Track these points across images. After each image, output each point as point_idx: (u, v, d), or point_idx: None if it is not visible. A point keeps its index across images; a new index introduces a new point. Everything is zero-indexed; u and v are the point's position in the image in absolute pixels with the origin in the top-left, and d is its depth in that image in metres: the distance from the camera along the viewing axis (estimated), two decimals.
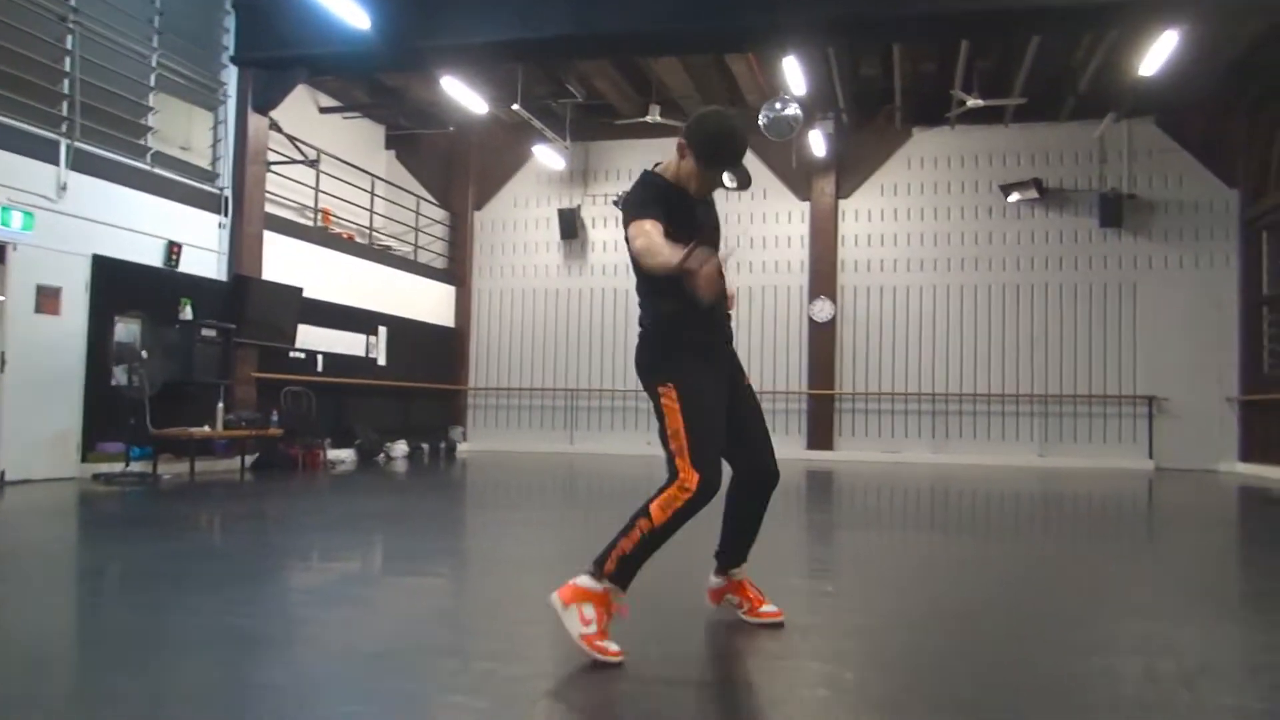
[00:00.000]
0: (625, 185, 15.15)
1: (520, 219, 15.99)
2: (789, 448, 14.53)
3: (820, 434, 14.56)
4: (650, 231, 2.90)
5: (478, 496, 9.46)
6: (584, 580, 2.93)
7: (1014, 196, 13.99)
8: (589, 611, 2.87)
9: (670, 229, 2.95)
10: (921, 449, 14.24)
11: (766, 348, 14.88)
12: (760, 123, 7.25)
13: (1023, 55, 11.83)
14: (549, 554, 5.40)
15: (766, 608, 3.38)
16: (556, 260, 15.81)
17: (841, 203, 14.84)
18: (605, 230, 15.60)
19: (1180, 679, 2.74)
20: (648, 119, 13.25)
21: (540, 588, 3.10)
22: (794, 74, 11.13)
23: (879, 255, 14.71)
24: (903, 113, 13.84)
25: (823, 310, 14.64)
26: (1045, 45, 11.41)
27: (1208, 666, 2.97)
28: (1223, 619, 3.75)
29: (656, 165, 3.29)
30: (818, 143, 13.83)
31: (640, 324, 3.25)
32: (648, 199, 3.08)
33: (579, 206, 15.51)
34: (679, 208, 3.13)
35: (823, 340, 14.67)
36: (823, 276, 14.74)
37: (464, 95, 11.81)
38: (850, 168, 14.77)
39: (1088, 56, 12.03)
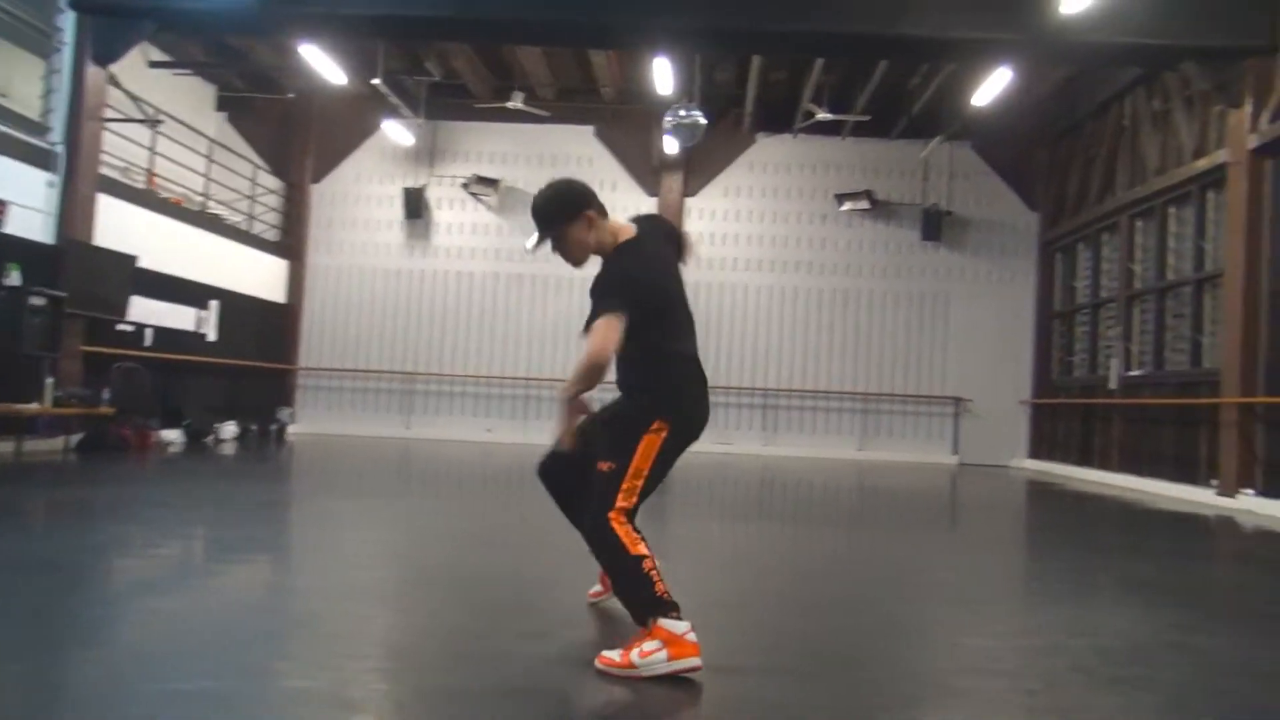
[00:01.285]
0: (476, 168, 15.13)
1: (362, 195, 15.50)
2: None
3: None
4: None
5: (313, 482, 9.16)
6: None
7: (847, 206, 14.89)
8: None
9: None
10: (752, 441, 14.94)
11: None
12: (665, 127, 7.42)
13: (868, 75, 12.65)
14: (378, 547, 5.18)
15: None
16: (398, 239, 15.45)
17: (688, 200, 15.30)
18: (451, 212, 15.39)
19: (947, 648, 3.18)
20: (509, 105, 13.19)
21: (369, 582, 3.20)
22: (663, 74, 11.43)
23: (721, 254, 15.28)
24: (751, 118, 14.41)
25: None
26: (889, 69, 12.25)
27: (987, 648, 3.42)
28: (1009, 601, 4.28)
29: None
30: (670, 141, 14.16)
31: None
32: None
33: (425, 186, 15.21)
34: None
35: None
36: None
37: (322, 64, 11.35)
38: (698, 167, 15.24)
39: (924, 83, 13.00)
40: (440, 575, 4.37)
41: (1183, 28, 9.39)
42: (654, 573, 2.84)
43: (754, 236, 15.29)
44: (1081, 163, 13.64)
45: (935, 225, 14.70)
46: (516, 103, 13.11)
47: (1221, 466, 9.67)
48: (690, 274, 13.74)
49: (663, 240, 3.37)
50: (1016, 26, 9.34)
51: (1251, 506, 9.06)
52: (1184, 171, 10.87)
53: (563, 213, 3.18)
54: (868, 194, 14.77)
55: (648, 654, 2.74)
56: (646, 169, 15.26)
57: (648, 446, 3.00)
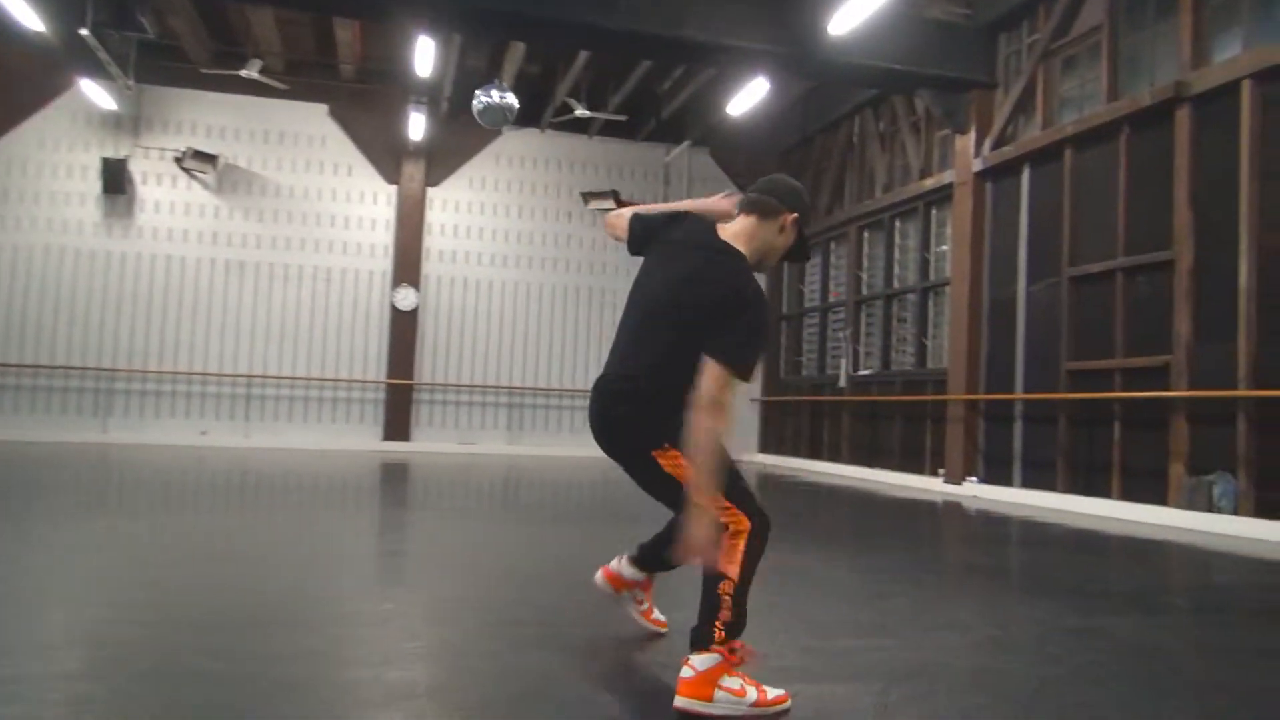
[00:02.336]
0: (192, 140, 13.51)
1: (48, 163, 13.30)
2: (364, 438, 14.00)
3: (397, 425, 14.21)
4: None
5: None
6: (701, 662, 2.46)
7: (593, 204, 14.92)
8: (733, 681, 2.45)
9: None
10: (496, 440, 14.57)
11: (344, 333, 14.14)
12: (474, 108, 6.76)
13: (624, 75, 12.72)
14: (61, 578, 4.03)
15: (656, 615, 3.30)
16: (94, 217, 13.43)
17: (430, 190, 14.61)
18: (160, 189, 13.63)
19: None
20: (242, 73, 11.87)
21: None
22: (417, 54, 10.79)
23: (464, 247, 14.75)
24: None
25: (406, 298, 14.29)
26: (645, 71, 12.38)
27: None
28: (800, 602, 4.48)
29: (696, 222, 2.89)
30: (415, 126, 13.48)
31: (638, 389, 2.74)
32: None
33: (128, 158, 13.34)
34: None
35: (404, 329, 14.32)
36: (408, 264, 14.39)
37: (18, 9, 9.53)
38: (441, 157, 14.60)
39: (676, 88, 13.29)
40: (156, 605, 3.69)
41: (923, 58, 10.27)
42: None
43: (499, 231, 14.91)
44: (812, 175, 14.58)
45: None
46: (252, 72, 11.83)
47: (948, 457, 10.68)
48: (432, 267, 13.31)
49: None
50: (788, 40, 9.75)
51: (976, 492, 10.09)
52: (912, 189, 11.90)
53: (774, 207, 2.77)
54: (614, 194, 14.88)
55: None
56: (386, 155, 14.39)
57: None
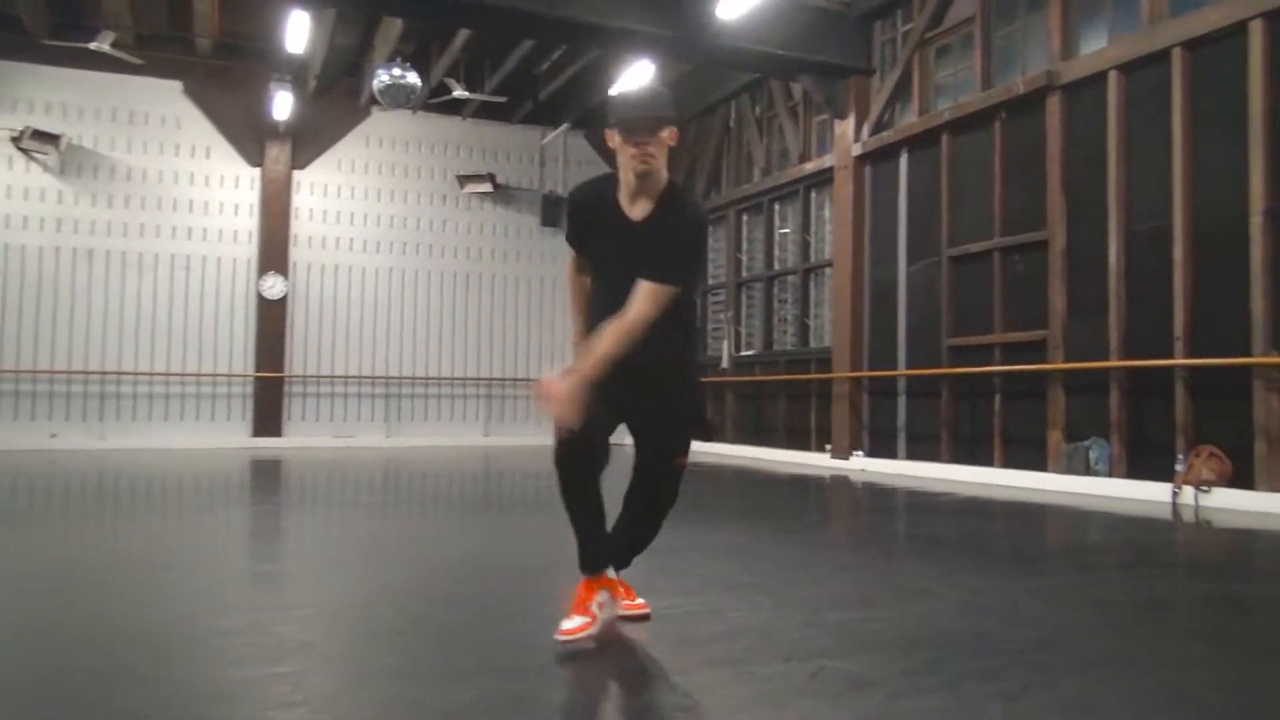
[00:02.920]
0: (31, 119, 12.45)
1: None
2: (233, 435, 13.32)
3: (268, 420, 13.57)
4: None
5: None
6: None
7: (469, 188, 14.62)
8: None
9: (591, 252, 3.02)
10: (374, 433, 14.13)
11: (207, 325, 13.38)
12: (375, 88, 6.39)
13: (502, 55, 12.50)
14: None
15: (636, 600, 3.18)
16: None
17: (296, 173, 13.96)
18: None
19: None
20: (92, 46, 10.99)
21: None
22: (297, 29, 10.28)
23: (335, 232, 14.19)
24: (370, 89, 13.50)
25: (274, 287, 13.64)
26: (523, 53, 12.19)
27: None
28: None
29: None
30: (280, 106, 12.83)
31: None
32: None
33: None
34: (599, 223, 2.97)
35: (273, 319, 13.67)
36: (274, 251, 13.72)
37: None
38: (308, 138, 13.96)
39: (555, 69, 13.15)
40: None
41: (804, 44, 10.51)
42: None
43: (371, 215, 14.41)
44: (688, 159, 14.71)
45: (554, 211, 14.97)
46: (104, 45, 10.97)
47: (834, 433, 11.04)
48: (301, 253, 12.82)
49: None
50: (675, 24, 9.79)
51: (863, 466, 10.48)
52: (791, 172, 12.20)
53: (676, 114, 2.86)
54: (490, 177, 14.62)
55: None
56: (248, 136, 13.65)
57: None
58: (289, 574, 4.36)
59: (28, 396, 12.55)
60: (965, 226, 9.50)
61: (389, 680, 2.47)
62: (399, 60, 6.96)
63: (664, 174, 2.90)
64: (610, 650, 2.82)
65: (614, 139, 2.86)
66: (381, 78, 6.19)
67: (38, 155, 12.56)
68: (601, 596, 2.95)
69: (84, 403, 12.80)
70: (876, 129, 10.67)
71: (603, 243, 2.99)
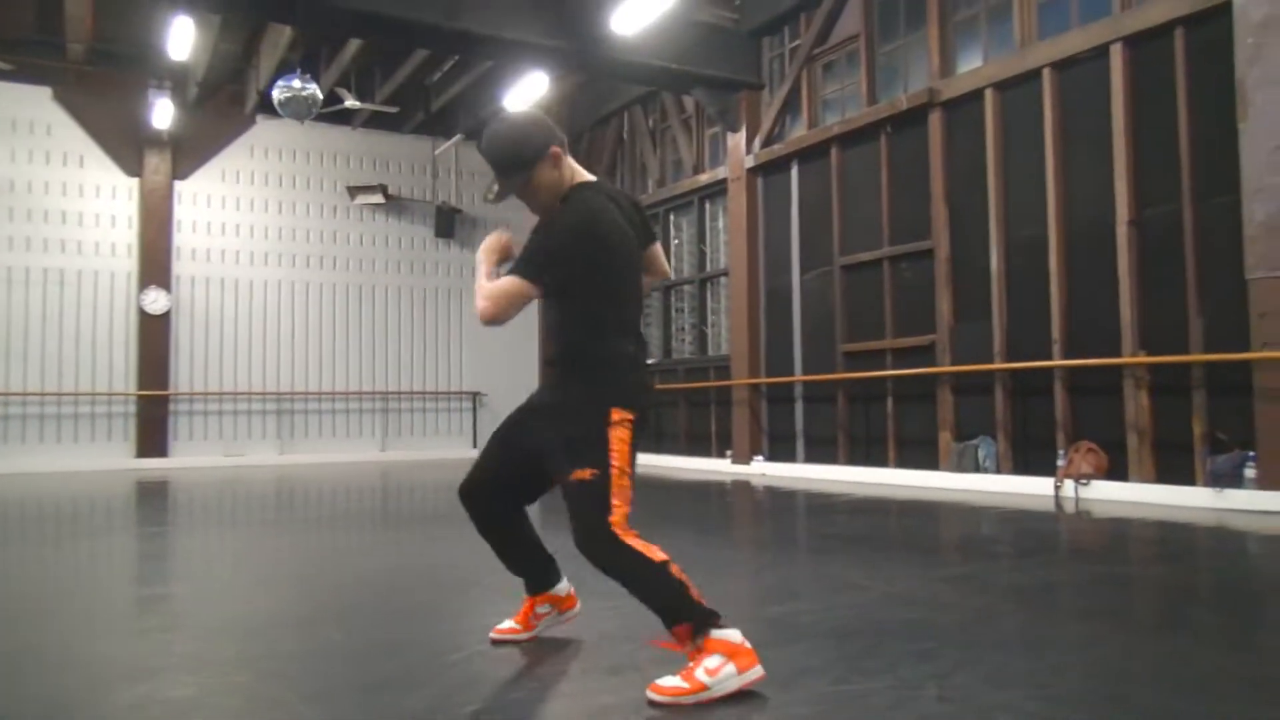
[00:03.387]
0: None
1: None
2: (115, 457, 12.76)
3: (152, 440, 13.02)
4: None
5: None
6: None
7: (360, 199, 14.38)
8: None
9: None
10: (267, 450, 13.73)
11: (84, 342, 12.77)
12: (275, 99, 6.16)
13: (394, 65, 12.38)
14: None
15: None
16: None
17: (178, 184, 13.46)
18: None
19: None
20: None
21: None
22: (181, 35, 9.95)
23: (220, 244, 13.74)
24: (259, 97, 13.15)
25: (156, 301, 13.12)
26: (417, 62, 12.10)
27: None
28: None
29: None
30: (160, 114, 12.38)
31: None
32: None
33: None
34: None
35: (155, 334, 13.14)
36: (155, 264, 13.20)
37: None
38: (189, 147, 13.49)
39: (447, 79, 13.08)
40: None
41: (696, 58, 10.76)
42: (684, 576, 2.54)
43: (258, 227, 14.01)
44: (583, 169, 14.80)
45: (448, 222, 14.87)
46: None
47: (735, 439, 11.30)
48: (184, 266, 12.38)
49: (624, 204, 2.88)
50: (569, 36, 9.89)
51: (763, 470, 10.76)
52: (685, 184, 12.45)
53: (531, 153, 2.64)
54: (382, 188, 14.42)
55: (715, 671, 2.40)
56: (125, 144, 13.10)
57: (619, 440, 2.60)
58: (180, 595, 4.26)
59: None
60: (855, 236, 9.89)
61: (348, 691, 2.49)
62: (298, 72, 6.82)
63: (557, 190, 2.72)
64: (562, 653, 2.90)
65: (555, 155, 2.70)
66: (282, 89, 6.06)
67: None
68: (542, 608, 3.04)
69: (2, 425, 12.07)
70: (768, 142, 11.00)
71: None
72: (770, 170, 11.05)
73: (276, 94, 6.21)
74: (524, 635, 3.04)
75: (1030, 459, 8.09)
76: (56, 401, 12.60)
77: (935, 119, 8.94)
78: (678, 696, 2.38)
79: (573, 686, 2.69)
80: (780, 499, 8.47)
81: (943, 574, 4.22)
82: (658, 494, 9.17)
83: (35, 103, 12.64)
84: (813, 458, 10.36)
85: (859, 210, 9.87)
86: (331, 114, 13.51)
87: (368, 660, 2.86)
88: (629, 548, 2.55)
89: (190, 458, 13.18)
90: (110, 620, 3.61)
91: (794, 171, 10.75)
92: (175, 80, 12.46)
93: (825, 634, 3.03)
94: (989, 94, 8.46)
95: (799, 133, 10.66)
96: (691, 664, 2.45)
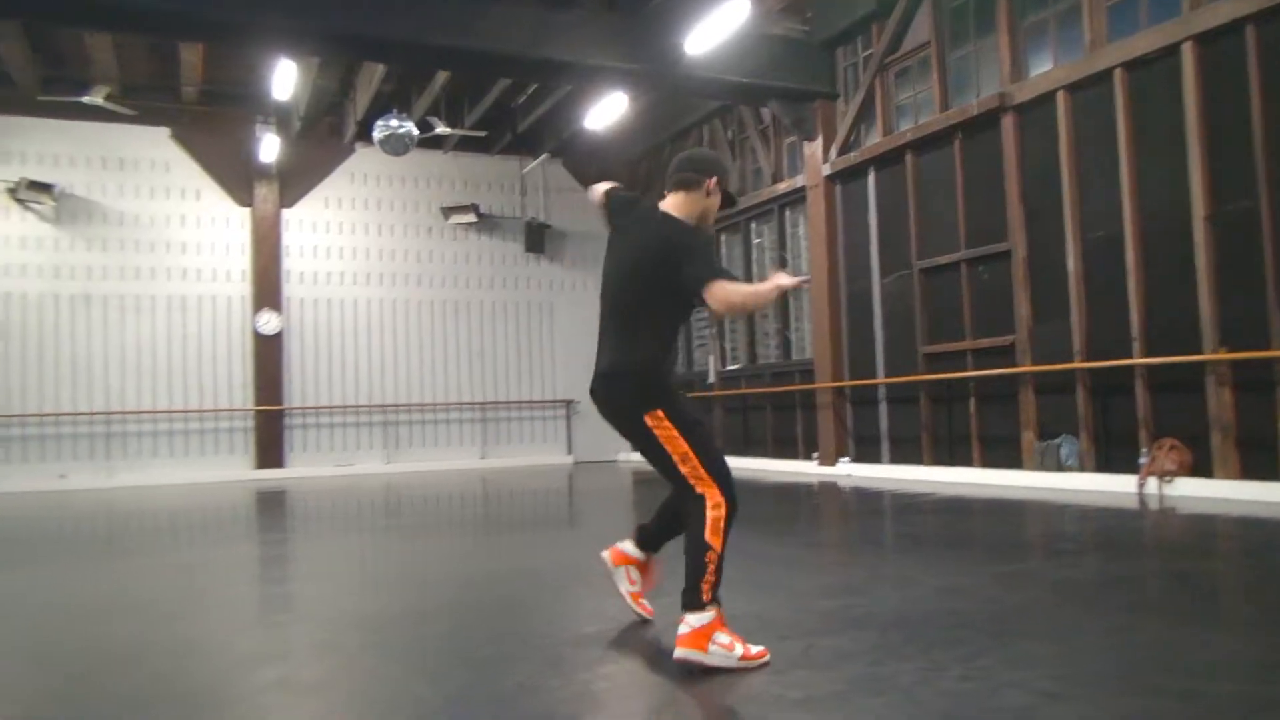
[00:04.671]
0: (24, 170, 12.78)
1: None
2: (236, 469, 13.67)
3: (270, 452, 13.92)
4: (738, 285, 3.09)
5: None
6: (696, 619, 2.87)
7: (454, 219, 15.05)
8: (724, 637, 2.87)
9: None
10: (374, 460, 14.50)
11: (206, 362, 13.74)
12: (376, 138, 6.76)
13: (481, 90, 12.97)
14: None
15: (645, 602, 3.55)
16: None
17: (285, 212, 14.36)
18: None
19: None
20: (85, 99, 11.37)
21: None
22: (283, 77, 10.70)
23: (325, 267, 14.58)
24: (358, 128, 13.93)
25: (269, 323, 14.01)
26: (502, 87, 12.66)
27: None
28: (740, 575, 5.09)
29: (646, 202, 3.49)
30: (267, 148, 13.26)
31: (616, 366, 3.24)
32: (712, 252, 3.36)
33: None
34: None
35: (270, 354, 14.04)
36: (267, 287, 14.11)
37: None
38: (294, 177, 14.37)
39: (531, 102, 13.63)
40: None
41: (769, 72, 11.02)
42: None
43: (359, 249, 14.81)
44: (662, 183, 15.19)
45: (537, 238, 15.44)
46: (97, 99, 11.36)
47: (820, 441, 11.51)
48: (294, 289, 13.16)
49: None
50: (645, 58, 10.27)
51: (849, 471, 10.95)
52: (765, 193, 12.71)
53: (706, 168, 3.33)
54: (474, 207, 15.06)
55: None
56: (236, 177, 14.05)
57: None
58: (304, 593, 4.77)
59: (36, 440, 12.86)
60: (933, 239, 10.01)
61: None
62: (394, 110, 7.33)
63: (696, 211, 3.34)
64: (626, 635, 3.26)
65: (713, 187, 3.34)
66: (381, 128, 6.55)
67: (34, 205, 12.91)
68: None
69: (90, 443, 13.12)
70: (844, 150, 11.19)
71: None
72: (847, 177, 11.24)
73: (376, 134, 6.70)
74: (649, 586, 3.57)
75: (1113, 457, 8.13)
76: (183, 418, 13.58)
77: (1008, 122, 9.03)
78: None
79: (650, 662, 3.05)
80: (863, 500, 8.68)
81: (1000, 570, 4.44)
82: (744, 496, 9.46)
83: (155, 143, 13.66)
84: (898, 458, 10.51)
85: (935, 214, 10.00)
86: (425, 139, 14.21)
87: (471, 646, 3.29)
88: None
89: (305, 468, 14.03)
90: (244, 615, 4.15)
91: (870, 178, 10.92)
92: (280, 116, 13.31)
93: (871, 624, 3.32)
94: (1061, 96, 8.52)
95: (874, 140, 10.83)
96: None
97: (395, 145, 6.63)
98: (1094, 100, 8.27)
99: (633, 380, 3.20)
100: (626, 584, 3.54)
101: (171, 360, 13.60)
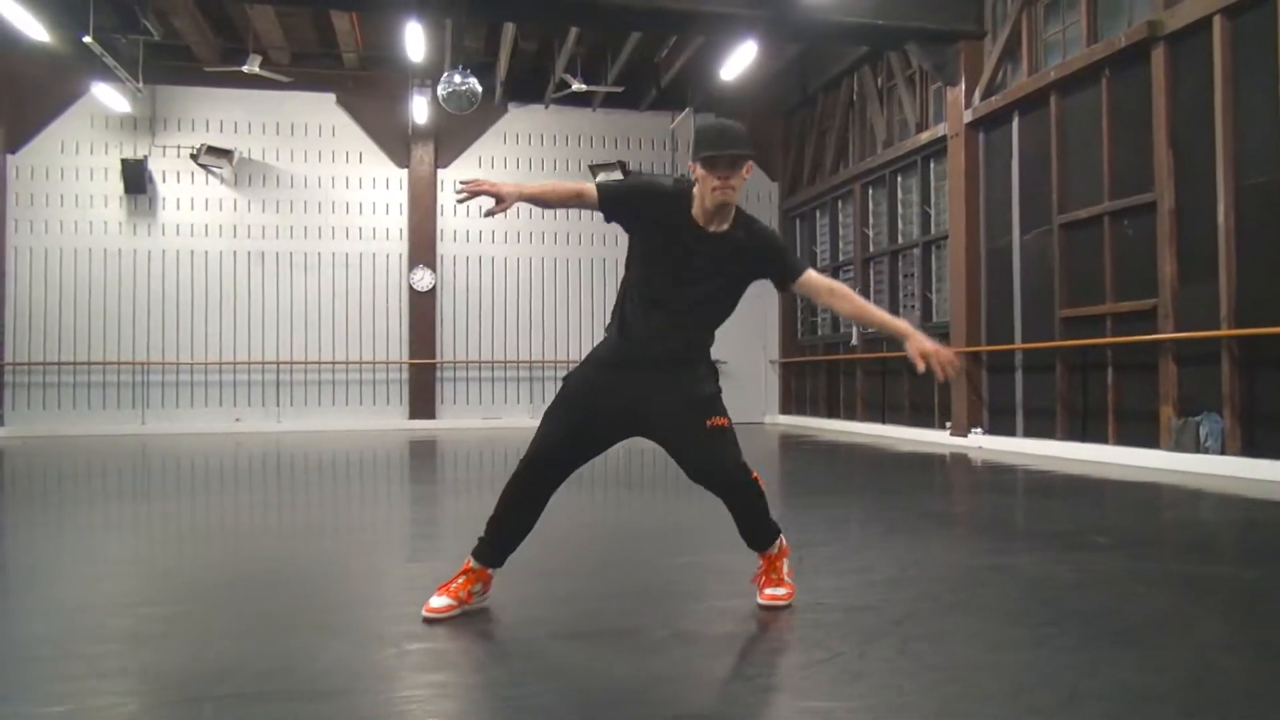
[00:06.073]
0: (205, 137, 13.91)
1: (70, 167, 13.80)
2: (391, 418, 14.41)
3: (422, 403, 14.60)
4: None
5: (23, 492, 7.83)
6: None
7: (601, 177, 15.06)
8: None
9: (647, 242, 3.13)
10: (520, 414, 14.87)
11: (365, 316, 14.53)
12: (439, 94, 6.97)
13: (619, 47, 12.83)
14: (118, 555, 4.53)
15: (770, 590, 3.25)
16: (118, 216, 13.93)
17: (440, 172, 14.88)
18: (180, 185, 14.07)
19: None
20: (244, 69, 12.19)
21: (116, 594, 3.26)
22: (413, 39, 11.00)
23: (477, 226, 15.01)
24: (503, 88, 14.19)
25: (423, 279, 14.62)
26: (639, 42, 12.46)
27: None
28: (836, 544, 4.64)
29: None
30: (419, 110, 13.74)
31: (692, 355, 3.21)
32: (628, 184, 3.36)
33: (146, 157, 13.79)
34: (670, 226, 3.12)
35: (423, 309, 14.67)
36: (422, 245, 14.70)
37: (21, 20, 9.91)
38: (449, 138, 14.84)
39: (672, 56, 13.36)
40: (195, 579, 3.93)
41: (907, 12, 10.23)
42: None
43: (510, 208, 15.06)
44: (816, 135, 14.58)
45: None
46: (253, 67, 12.13)
47: (953, 410, 10.76)
48: (447, 247, 13.46)
49: None
50: (766, 3, 9.79)
51: (981, 444, 10.17)
52: (909, 143, 11.90)
53: (750, 147, 3.12)
54: (621, 165, 15.01)
55: (790, 571, 3.26)
56: (395, 139, 14.67)
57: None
58: (445, 535, 4.91)
59: (215, 385, 14.08)
60: (1075, 191, 9.03)
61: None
62: (460, 68, 7.37)
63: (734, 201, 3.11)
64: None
65: (696, 170, 3.08)
66: (443, 87, 6.57)
67: (214, 169, 14.01)
68: (475, 587, 3.18)
69: (262, 390, 14.23)
70: (988, 93, 10.26)
71: (663, 244, 3.13)
72: (990, 124, 10.31)
73: (440, 89, 6.76)
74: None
75: (1259, 439, 7.08)
76: (344, 368, 14.45)
77: (1157, 55, 7.94)
78: (787, 599, 3.16)
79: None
80: (987, 475, 8.03)
81: (1130, 566, 3.94)
82: (865, 465, 9.02)
83: (321, 108, 14.45)
84: (1031, 431, 9.64)
85: (1079, 162, 8.99)
86: (574, 97, 14.24)
87: (593, 599, 3.35)
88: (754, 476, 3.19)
89: (454, 420, 14.61)
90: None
91: (1014, 124, 9.96)
92: (432, 79, 13.71)
93: (945, 610, 3.09)
94: (1217, 22, 7.38)
95: (1019, 81, 9.85)
96: (777, 573, 3.22)
97: (459, 102, 6.64)
98: (1255, 25, 7.11)
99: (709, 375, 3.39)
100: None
101: (335, 314, 14.47)
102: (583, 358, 3.35)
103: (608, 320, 3.31)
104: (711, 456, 3.08)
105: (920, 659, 2.56)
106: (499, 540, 3.18)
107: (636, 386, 3.08)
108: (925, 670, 2.47)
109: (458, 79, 6.91)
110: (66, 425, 13.42)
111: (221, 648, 2.75)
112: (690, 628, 3.02)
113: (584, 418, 3.14)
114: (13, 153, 13.61)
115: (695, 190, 3.11)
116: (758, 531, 3.22)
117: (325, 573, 4.03)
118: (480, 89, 6.89)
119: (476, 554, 3.17)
